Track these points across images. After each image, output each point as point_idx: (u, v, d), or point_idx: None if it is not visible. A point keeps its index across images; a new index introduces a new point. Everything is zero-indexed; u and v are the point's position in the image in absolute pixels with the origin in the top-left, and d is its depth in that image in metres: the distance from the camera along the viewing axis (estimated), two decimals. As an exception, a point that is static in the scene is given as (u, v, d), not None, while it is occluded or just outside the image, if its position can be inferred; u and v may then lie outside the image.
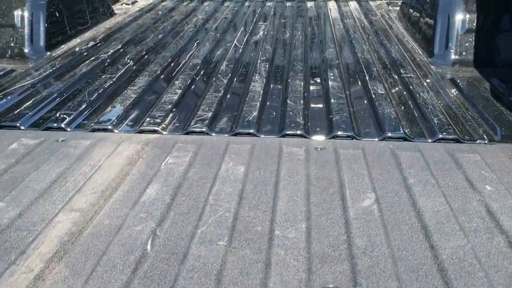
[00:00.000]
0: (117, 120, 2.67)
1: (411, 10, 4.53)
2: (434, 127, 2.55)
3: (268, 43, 4.16)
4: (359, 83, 3.21)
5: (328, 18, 5.09)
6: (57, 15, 4.12)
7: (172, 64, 3.64)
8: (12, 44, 3.81)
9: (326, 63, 3.62)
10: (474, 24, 3.59)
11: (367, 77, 3.29)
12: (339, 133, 2.49)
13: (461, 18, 3.62)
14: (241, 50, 3.96)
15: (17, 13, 3.86)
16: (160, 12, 5.43)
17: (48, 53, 3.89)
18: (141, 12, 5.40)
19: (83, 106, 2.85)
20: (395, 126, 2.56)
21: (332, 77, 3.30)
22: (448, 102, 2.88)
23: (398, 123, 2.58)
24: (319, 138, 2.49)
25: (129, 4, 5.85)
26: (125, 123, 2.65)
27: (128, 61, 3.69)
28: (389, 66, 3.54)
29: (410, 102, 2.90)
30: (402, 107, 2.83)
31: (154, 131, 2.54)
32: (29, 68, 3.57)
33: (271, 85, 3.20)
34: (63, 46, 4.08)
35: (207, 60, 3.70)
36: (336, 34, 4.42)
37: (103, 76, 3.36)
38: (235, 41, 4.18)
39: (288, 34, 4.49)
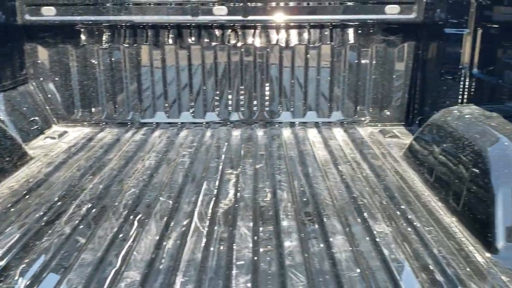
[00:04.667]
0: None
1: (435, 157, 3.33)
2: None
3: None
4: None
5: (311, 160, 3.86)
6: None
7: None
8: None
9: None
10: None
11: None
12: None
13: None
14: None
15: None
16: (93, 154, 4.02)
17: None
18: (67, 155, 3.98)
19: None
20: None
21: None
22: None
23: None
24: None
25: (54, 138, 4.40)
26: None
27: None
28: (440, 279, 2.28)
29: None
30: None
31: None
32: None
33: None
34: None
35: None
36: (336, 197, 3.16)
37: None
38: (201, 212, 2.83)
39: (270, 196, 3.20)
